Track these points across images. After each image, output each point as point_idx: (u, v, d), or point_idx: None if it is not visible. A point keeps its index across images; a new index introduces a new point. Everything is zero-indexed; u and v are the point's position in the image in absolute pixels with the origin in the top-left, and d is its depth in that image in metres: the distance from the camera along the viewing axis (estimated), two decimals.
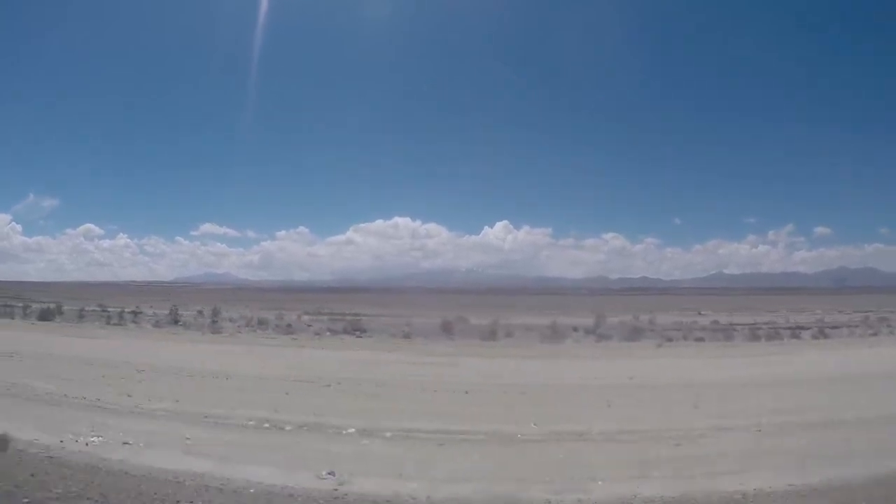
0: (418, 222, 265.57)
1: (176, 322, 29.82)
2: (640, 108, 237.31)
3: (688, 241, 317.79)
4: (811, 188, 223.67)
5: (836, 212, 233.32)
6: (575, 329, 29.11)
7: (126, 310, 33.57)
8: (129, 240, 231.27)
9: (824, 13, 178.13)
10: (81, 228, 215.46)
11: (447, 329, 27.66)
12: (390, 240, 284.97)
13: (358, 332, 27.47)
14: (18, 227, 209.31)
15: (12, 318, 29.50)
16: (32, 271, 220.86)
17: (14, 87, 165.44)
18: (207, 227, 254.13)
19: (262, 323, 30.22)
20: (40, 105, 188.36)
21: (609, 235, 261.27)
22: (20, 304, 34.24)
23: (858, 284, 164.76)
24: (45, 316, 28.54)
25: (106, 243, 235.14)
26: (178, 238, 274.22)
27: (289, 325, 29.88)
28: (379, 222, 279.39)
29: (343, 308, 41.52)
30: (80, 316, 31.53)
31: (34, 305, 32.91)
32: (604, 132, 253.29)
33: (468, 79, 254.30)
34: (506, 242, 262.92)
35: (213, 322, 30.02)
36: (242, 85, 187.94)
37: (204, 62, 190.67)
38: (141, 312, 33.57)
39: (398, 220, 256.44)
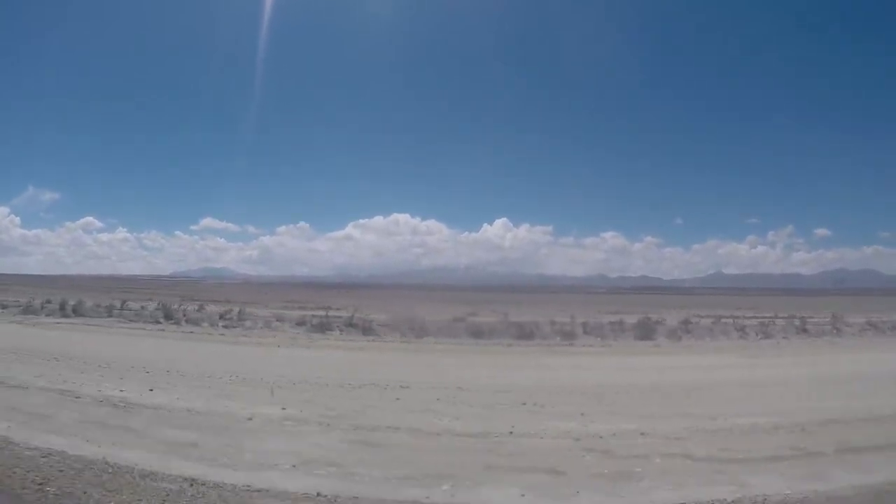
0: (418, 219, 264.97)
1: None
2: (640, 108, 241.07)
3: (687, 240, 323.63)
4: (811, 190, 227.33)
5: (837, 213, 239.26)
6: None
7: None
8: (127, 233, 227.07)
9: (824, 13, 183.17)
10: (81, 222, 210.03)
11: None
12: (391, 236, 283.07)
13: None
14: (17, 220, 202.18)
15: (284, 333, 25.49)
16: (31, 264, 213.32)
17: (14, 81, 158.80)
18: (207, 222, 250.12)
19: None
20: (40, 99, 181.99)
21: (609, 234, 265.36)
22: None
23: (858, 286, 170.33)
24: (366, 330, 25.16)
25: (105, 237, 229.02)
26: (177, 232, 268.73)
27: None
28: (378, 218, 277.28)
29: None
30: (437, 331, 26.68)
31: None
32: (604, 131, 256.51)
33: (469, 78, 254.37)
34: (505, 240, 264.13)
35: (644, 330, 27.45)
36: (244, 81, 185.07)
37: (205, 58, 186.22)
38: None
39: (398, 216, 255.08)
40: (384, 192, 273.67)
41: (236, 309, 29.12)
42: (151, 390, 11.92)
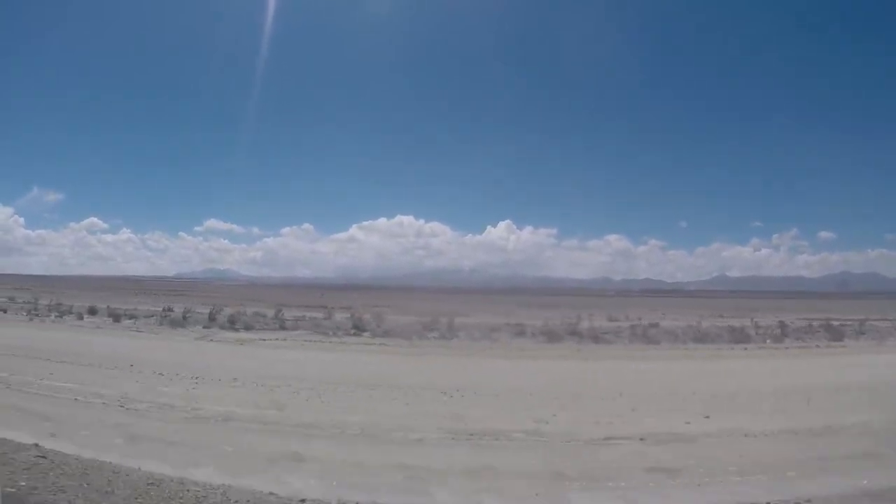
0: (422, 221, 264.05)
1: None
2: (641, 108, 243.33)
3: (691, 243, 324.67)
4: (815, 192, 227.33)
5: (841, 216, 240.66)
6: None
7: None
8: (132, 234, 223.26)
9: (824, 13, 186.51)
10: (85, 222, 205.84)
11: None
12: (394, 238, 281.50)
13: None
14: (21, 220, 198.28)
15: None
16: (34, 264, 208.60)
17: (18, 82, 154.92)
18: (211, 223, 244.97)
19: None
20: (45, 99, 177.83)
21: (613, 237, 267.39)
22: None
23: (862, 289, 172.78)
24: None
25: (109, 237, 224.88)
26: (181, 233, 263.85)
27: None
28: (382, 220, 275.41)
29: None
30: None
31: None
32: (606, 132, 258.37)
33: (472, 79, 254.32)
34: (509, 242, 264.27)
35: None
36: (248, 82, 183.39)
37: (209, 59, 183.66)
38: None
39: (402, 218, 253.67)
40: (388, 193, 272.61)
41: (443, 320, 28.04)
42: (707, 417, 11.16)
